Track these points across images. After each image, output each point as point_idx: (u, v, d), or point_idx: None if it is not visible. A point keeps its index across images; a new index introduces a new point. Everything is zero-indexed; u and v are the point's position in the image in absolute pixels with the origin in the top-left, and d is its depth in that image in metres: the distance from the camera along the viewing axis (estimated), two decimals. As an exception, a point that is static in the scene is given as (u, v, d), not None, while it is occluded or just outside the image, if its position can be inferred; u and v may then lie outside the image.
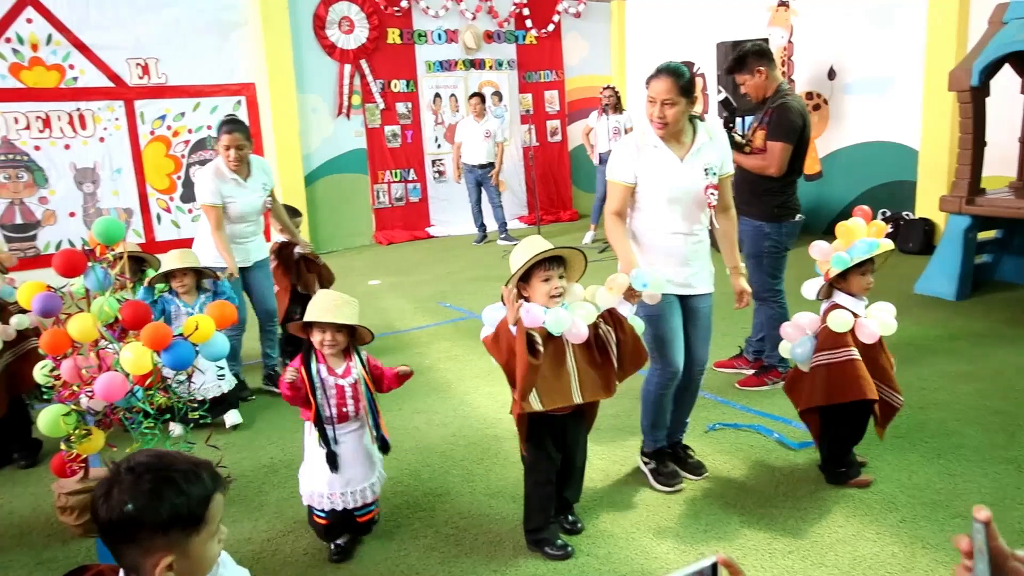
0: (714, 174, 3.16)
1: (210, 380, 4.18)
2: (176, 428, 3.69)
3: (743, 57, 4.27)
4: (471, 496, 3.35)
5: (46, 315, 3.02)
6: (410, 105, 10.24)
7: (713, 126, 3.27)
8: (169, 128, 8.82)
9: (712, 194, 3.14)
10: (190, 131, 8.92)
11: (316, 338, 2.82)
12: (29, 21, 7.99)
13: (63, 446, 3.08)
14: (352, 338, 2.88)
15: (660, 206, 3.17)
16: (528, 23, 10.82)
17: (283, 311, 5.12)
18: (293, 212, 5.33)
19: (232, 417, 4.28)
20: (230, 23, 8.93)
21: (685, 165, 3.14)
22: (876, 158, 8.37)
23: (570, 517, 3.06)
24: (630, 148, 3.20)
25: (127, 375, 2.89)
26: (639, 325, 2.96)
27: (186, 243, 9.04)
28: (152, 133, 8.73)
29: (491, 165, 9.44)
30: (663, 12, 10.48)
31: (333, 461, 2.81)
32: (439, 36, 10.28)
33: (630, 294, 2.90)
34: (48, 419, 2.94)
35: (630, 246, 3.19)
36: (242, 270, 4.65)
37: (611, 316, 2.87)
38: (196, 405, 3.24)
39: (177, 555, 1.35)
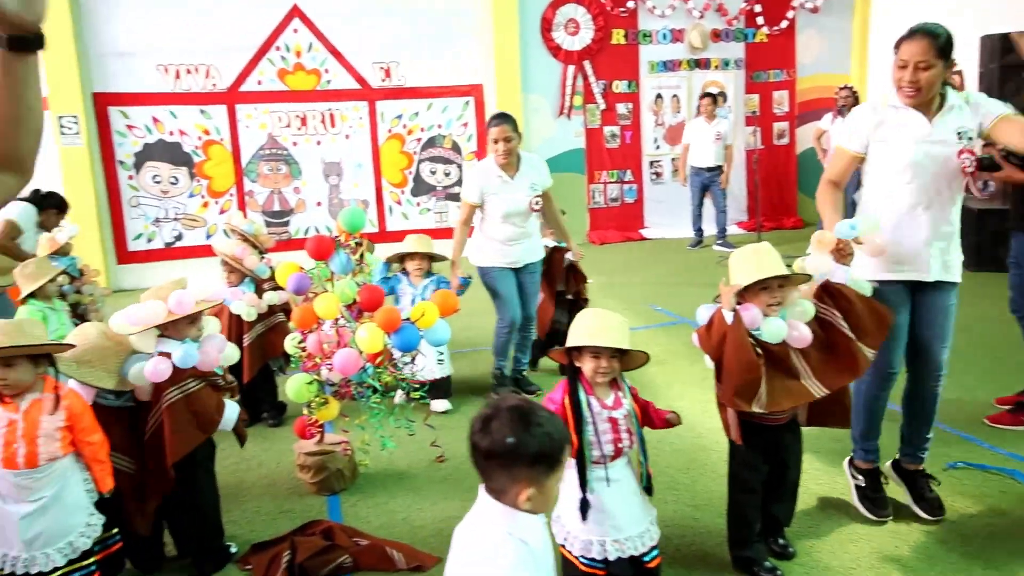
0: (969, 139, 2.79)
1: (431, 363, 4.41)
2: (399, 395, 3.99)
3: None
4: (675, 505, 3.26)
5: (298, 293, 3.37)
6: (630, 106, 10.21)
7: (970, 92, 2.89)
8: (404, 127, 9.51)
9: (967, 159, 2.76)
10: (422, 129, 9.56)
11: (588, 366, 2.42)
12: (295, 32, 8.99)
13: (305, 411, 3.42)
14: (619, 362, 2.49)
15: (899, 175, 2.85)
16: (759, 20, 10.35)
17: (547, 320, 4.93)
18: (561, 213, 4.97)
19: (441, 404, 4.45)
20: (464, 28, 9.43)
21: (934, 127, 2.82)
22: None
23: (780, 540, 2.87)
24: (866, 112, 2.96)
25: (361, 352, 3.15)
26: (864, 287, 2.71)
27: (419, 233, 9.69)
28: (390, 131, 9.47)
29: (719, 168, 9.14)
30: (916, 2, 9.53)
31: (586, 508, 2.36)
32: (664, 36, 10.13)
33: (839, 255, 2.67)
34: (294, 385, 3.28)
35: (839, 216, 2.90)
36: (512, 271, 4.56)
37: (825, 291, 2.67)
38: (418, 386, 3.45)
39: (536, 488, 1.57)
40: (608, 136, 10.20)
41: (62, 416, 2.48)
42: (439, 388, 4.50)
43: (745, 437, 2.67)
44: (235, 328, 4.12)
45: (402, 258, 4.46)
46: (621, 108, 10.18)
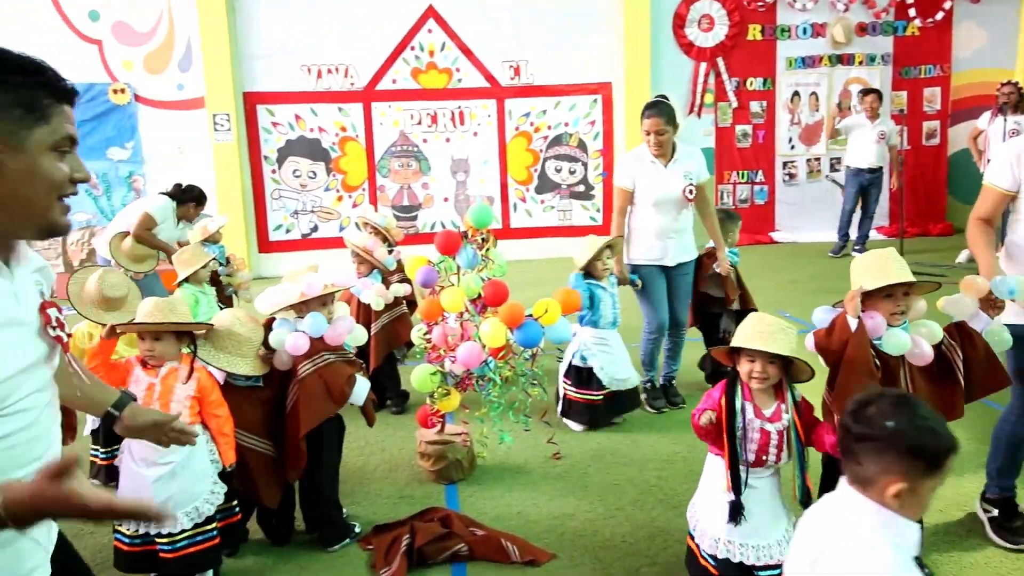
0: None
1: (626, 374, 4.13)
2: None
3: None
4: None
5: (425, 286, 3.46)
6: (765, 104, 9.82)
7: None
8: (532, 124, 9.58)
9: None
10: (549, 127, 9.60)
11: (743, 368, 2.42)
12: (429, 31, 9.25)
13: (428, 400, 3.52)
14: (786, 373, 2.45)
15: None
16: (911, 12, 9.68)
17: (696, 321, 4.67)
18: (728, 216, 4.71)
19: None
20: (594, 26, 9.39)
21: None
22: None
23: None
24: (1017, 148, 2.79)
25: (484, 346, 3.21)
26: (1004, 341, 2.54)
27: (536, 231, 9.77)
28: (517, 129, 9.57)
29: (880, 170, 8.59)
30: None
31: (737, 513, 2.39)
32: (804, 31, 9.68)
33: (988, 304, 2.52)
34: (419, 375, 3.38)
35: (994, 256, 2.80)
36: (662, 270, 4.34)
37: (958, 330, 2.54)
38: (536, 382, 3.47)
39: (908, 486, 1.45)
40: (739, 135, 9.87)
41: (193, 386, 2.70)
42: (626, 401, 4.19)
43: None
44: (363, 317, 4.29)
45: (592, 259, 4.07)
46: (754, 106, 9.82)
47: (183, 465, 2.67)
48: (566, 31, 9.35)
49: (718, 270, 4.47)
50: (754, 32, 9.63)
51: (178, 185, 5.40)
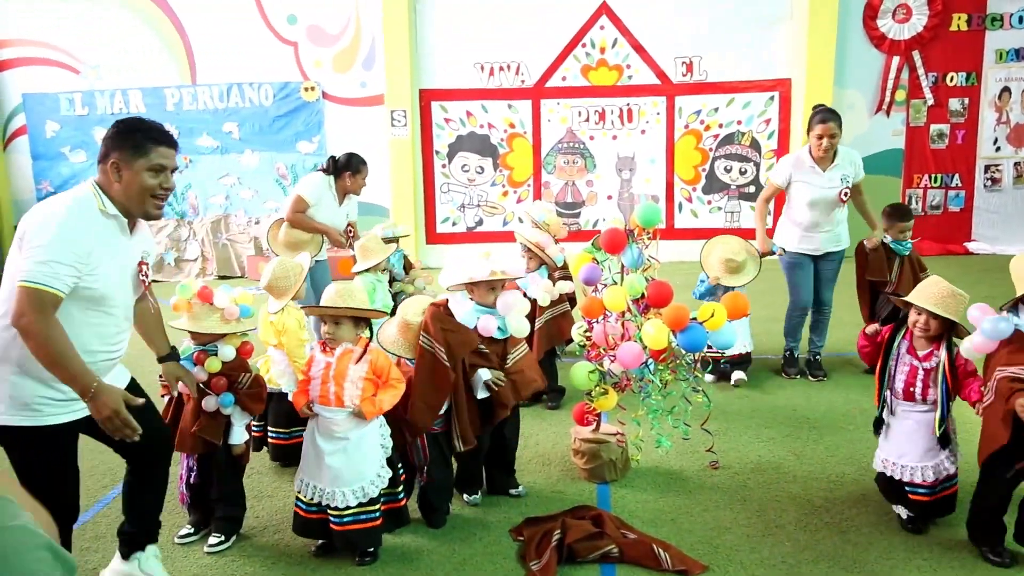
0: None
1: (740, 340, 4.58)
2: (739, 374, 4.72)
3: None
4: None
5: (588, 283, 3.44)
6: (966, 101, 8.95)
7: None
8: (702, 123, 9.30)
9: None
10: (720, 125, 9.28)
11: (912, 318, 2.94)
12: (601, 28, 9.22)
13: (585, 398, 3.50)
14: (952, 329, 2.89)
15: None
16: None
17: (867, 306, 4.77)
18: (902, 213, 4.69)
19: (737, 375, 4.79)
20: (774, 18, 8.95)
21: None
22: None
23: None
24: None
25: (645, 347, 3.14)
26: None
27: (701, 233, 9.48)
28: (686, 127, 9.33)
29: None
30: None
31: (878, 426, 3.09)
32: (1020, 19, 8.70)
33: None
34: (577, 372, 3.37)
35: None
36: (811, 258, 4.76)
37: None
38: (699, 388, 3.35)
39: None
40: (934, 135, 9.05)
41: (365, 367, 2.85)
42: (743, 362, 4.83)
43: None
44: (529, 311, 4.33)
45: None
46: (954, 104, 8.97)
47: (355, 444, 2.83)
48: (743, 24, 8.98)
49: (867, 244, 4.66)
50: (958, 22, 8.79)
51: (332, 158, 4.95)
